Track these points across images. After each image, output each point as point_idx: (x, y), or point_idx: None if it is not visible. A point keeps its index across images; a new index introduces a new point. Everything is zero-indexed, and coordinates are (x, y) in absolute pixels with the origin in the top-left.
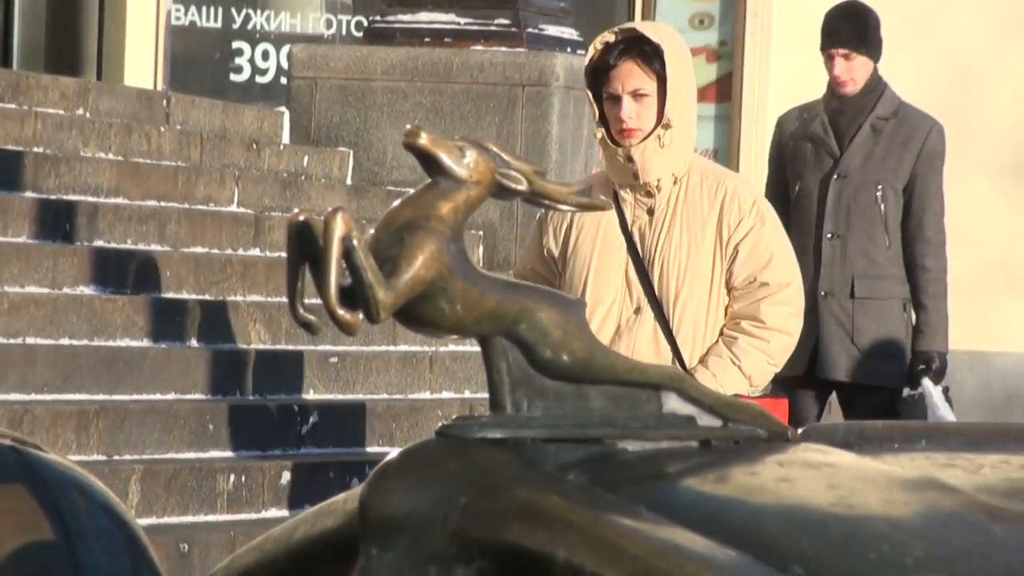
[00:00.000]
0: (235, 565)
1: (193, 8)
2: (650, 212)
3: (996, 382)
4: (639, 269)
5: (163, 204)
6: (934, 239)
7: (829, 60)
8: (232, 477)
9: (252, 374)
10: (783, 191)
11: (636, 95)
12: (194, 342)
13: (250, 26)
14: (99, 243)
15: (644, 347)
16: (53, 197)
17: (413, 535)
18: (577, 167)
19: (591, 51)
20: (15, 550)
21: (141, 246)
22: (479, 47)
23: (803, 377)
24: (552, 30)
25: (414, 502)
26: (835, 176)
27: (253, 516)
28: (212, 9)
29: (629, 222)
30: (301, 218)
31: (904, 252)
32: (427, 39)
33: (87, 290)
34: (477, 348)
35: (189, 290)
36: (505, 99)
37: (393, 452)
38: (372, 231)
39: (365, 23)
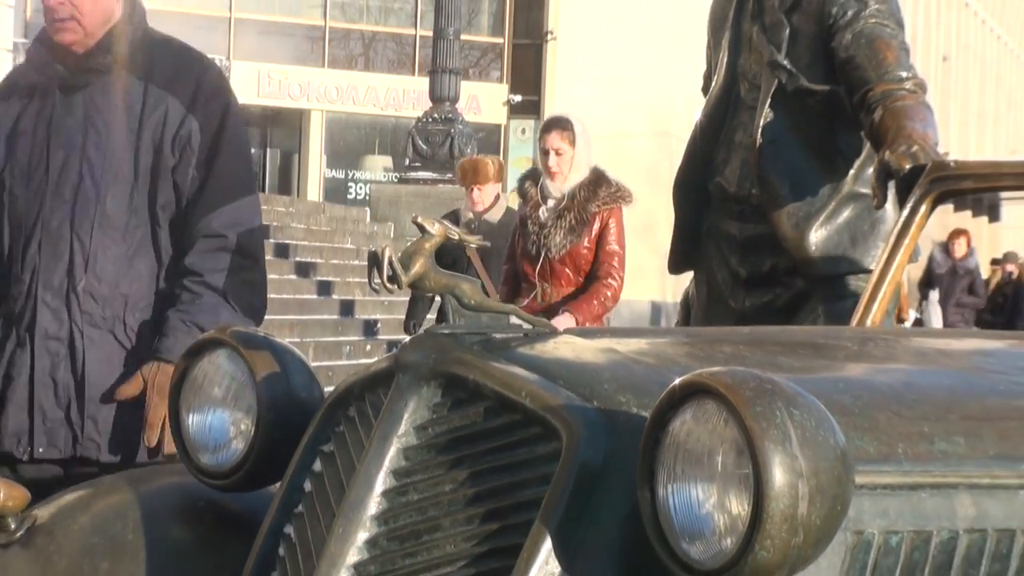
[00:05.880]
0: (348, 381)
1: (335, 171)
2: None
3: (639, 319)
4: None
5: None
6: None
7: None
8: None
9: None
10: None
11: None
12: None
13: (356, 176)
14: None
15: None
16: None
17: (415, 368)
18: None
19: None
20: (267, 376)
21: None
22: (440, 186)
23: None
24: None
25: (416, 356)
26: None
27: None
28: (343, 171)
29: None
30: (372, 249)
31: None
32: (420, 182)
33: None
34: None
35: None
36: (452, 205)
37: (407, 339)
38: (400, 253)
39: (398, 177)
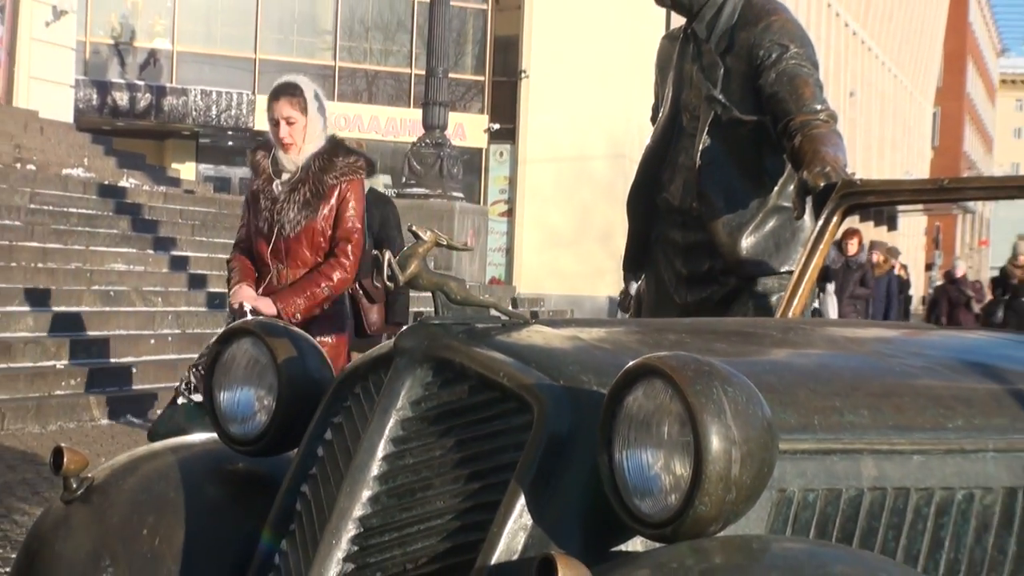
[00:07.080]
0: (355, 364)
1: None
2: None
3: (597, 312)
4: None
5: None
6: None
7: None
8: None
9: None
10: None
11: None
12: None
13: None
14: None
15: None
16: None
17: (410, 353)
18: (464, 239)
19: None
20: (286, 359)
21: None
22: (431, 199)
23: None
24: (454, 193)
25: (411, 343)
26: None
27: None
28: None
29: None
30: (375, 252)
31: None
32: (415, 197)
33: None
34: None
35: None
36: (441, 216)
37: (404, 327)
38: (398, 256)
39: (396, 192)
